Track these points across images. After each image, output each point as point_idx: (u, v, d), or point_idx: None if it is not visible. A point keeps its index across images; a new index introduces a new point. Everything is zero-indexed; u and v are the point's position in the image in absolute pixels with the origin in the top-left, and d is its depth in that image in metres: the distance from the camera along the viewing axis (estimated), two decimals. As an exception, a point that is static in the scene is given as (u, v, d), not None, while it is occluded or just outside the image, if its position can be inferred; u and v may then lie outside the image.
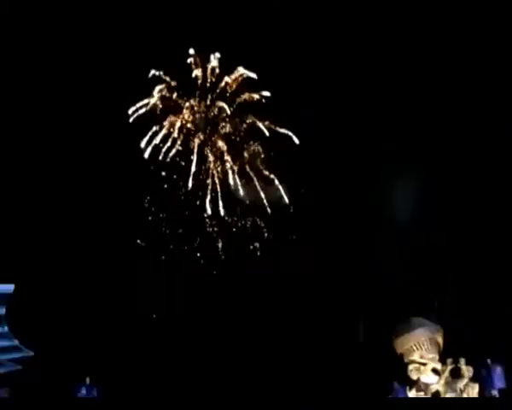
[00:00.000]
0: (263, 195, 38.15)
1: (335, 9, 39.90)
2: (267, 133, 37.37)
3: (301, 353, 38.01)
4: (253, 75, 37.05)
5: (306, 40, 39.60)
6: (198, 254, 38.09)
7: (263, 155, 38.09)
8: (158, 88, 37.66)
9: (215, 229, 38.01)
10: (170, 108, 38.41)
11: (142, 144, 37.56)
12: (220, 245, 37.80)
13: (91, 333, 37.65)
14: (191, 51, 37.64)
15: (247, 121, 37.77)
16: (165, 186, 37.91)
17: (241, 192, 37.45)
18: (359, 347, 38.33)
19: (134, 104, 37.78)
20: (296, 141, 37.55)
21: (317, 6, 39.91)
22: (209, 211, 37.24)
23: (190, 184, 37.49)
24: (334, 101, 39.89)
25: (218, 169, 37.54)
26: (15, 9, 38.14)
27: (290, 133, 37.21)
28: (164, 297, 37.81)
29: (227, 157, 37.39)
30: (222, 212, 37.49)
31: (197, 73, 37.63)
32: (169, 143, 37.90)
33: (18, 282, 36.45)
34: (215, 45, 37.78)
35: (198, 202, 37.68)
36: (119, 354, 37.46)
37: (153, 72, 37.56)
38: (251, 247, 38.42)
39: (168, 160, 37.66)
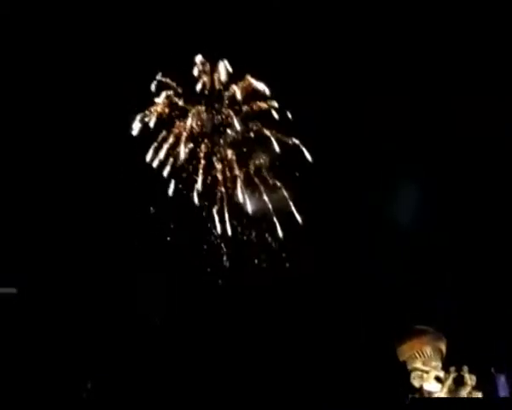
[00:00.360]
0: (269, 203, 38.13)
1: (336, 11, 39.85)
2: (275, 142, 37.26)
3: (301, 353, 38.32)
4: (262, 86, 36.84)
5: (305, 42, 39.51)
6: (204, 263, 38.17)
7: (268, 162, 37.99)
8: (164, 94, 37.38)
9: (220, 242, 38.03)
10: (176, 114, 38.20)
11: (150, 152, 37.35)
12: (226, 254, 37.83)
13: (94, 336, 37.82)
14: (199, 58, 37.36)
15: (253, 128, 37.63)
16: (172, 194, 37.79)
17: (248, 200, 37.44)
18: (360, 347, 38.58)
19: (141, 111, 37.50)
20: (308, 157, 37.42)
21: (318, 8, 39.83)
22: (216, 219, 37.22)
23: (197, 193, 37.46)
24: (335, 102, 39.92)
25: (227, 176, 37.43)
26: (15, 12, 37.78)
27: (297, 141, 37.12)
28: (169, 305, 37.97)
29: (234, 165, 37.31)
30: (227, 218, 37.49)
31: (204, 79, 37.40)
32: (176, 151, 37.71)
33: (22, 285, 36.70)
34: (221, 52, 37.52)
35: (204, 213, 37.68)
36: (122, 358, 37.66)
37: (159, 78, 37.26)
38: (256, 260, 38.53)
39: (177, 166, 37.49)
